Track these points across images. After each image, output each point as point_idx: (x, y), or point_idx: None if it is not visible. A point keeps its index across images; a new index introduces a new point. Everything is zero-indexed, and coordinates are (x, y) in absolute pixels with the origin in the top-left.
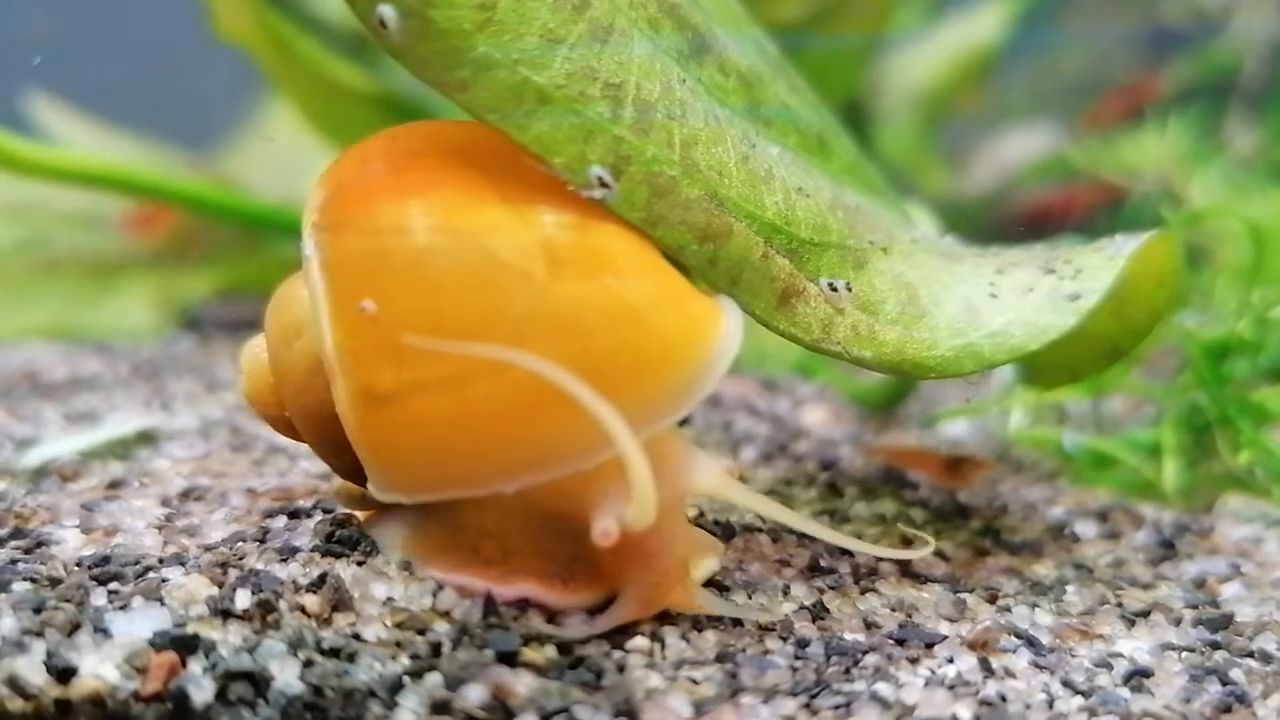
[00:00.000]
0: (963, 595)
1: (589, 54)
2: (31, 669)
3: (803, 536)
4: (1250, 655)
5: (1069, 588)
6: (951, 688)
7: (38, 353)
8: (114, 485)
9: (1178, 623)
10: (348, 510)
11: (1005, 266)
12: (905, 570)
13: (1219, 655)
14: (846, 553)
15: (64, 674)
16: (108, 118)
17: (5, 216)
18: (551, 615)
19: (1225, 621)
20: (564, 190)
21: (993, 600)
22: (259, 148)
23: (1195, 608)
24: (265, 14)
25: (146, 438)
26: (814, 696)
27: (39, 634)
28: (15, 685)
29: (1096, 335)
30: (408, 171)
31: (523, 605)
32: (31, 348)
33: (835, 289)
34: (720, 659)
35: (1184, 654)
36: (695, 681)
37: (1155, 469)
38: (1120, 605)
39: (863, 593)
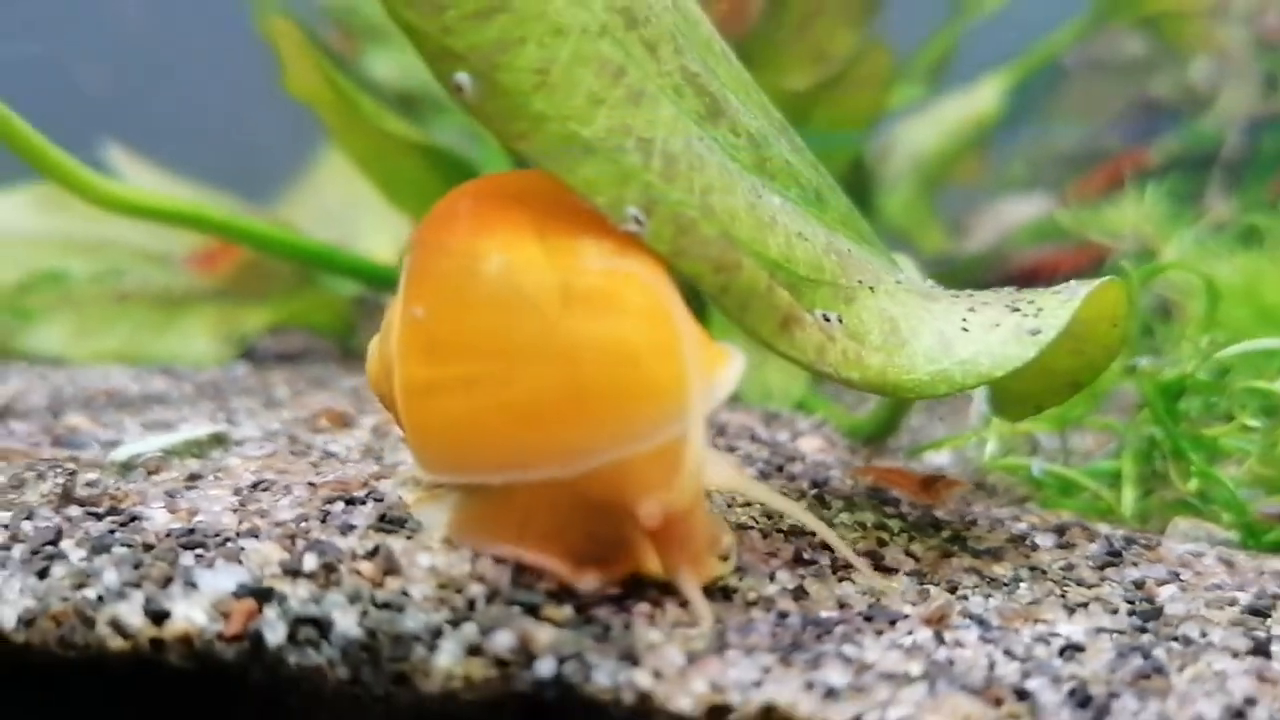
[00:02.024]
0: (927, 586)
1: (625, 113)
2: (131, 613)
3: (789, 534)
4: (1175, 639)
5: (1022, 584)
6: (907, 651)
7: (111, 373)
8: (193, 478)
9: (1114, 612)
10: (399, 496)
11: (976, 305)
12: (878, 565)
13: (1146, 638)
14: (827, 548)
15: (159, 617)
16: (174, 168)
17: (84, 252)
18: (564, 588)
19: (1157, 613)
20: (603, 241)
21: (953, 591)
22: (312, 196)
23: (1132, 603)
24: (331, 72)
25: (219, 440)
26: (789, 653)
27: (138, 585)
28: (117, 626)
29: (1058, 370)
30: (483, 208)
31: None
32: (105, 369)
33: (829, 320)
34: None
35: (1115, 635)
36: (689, 638)
37: (1115, 495)
38: (1065, 597)
39: (839, 581)
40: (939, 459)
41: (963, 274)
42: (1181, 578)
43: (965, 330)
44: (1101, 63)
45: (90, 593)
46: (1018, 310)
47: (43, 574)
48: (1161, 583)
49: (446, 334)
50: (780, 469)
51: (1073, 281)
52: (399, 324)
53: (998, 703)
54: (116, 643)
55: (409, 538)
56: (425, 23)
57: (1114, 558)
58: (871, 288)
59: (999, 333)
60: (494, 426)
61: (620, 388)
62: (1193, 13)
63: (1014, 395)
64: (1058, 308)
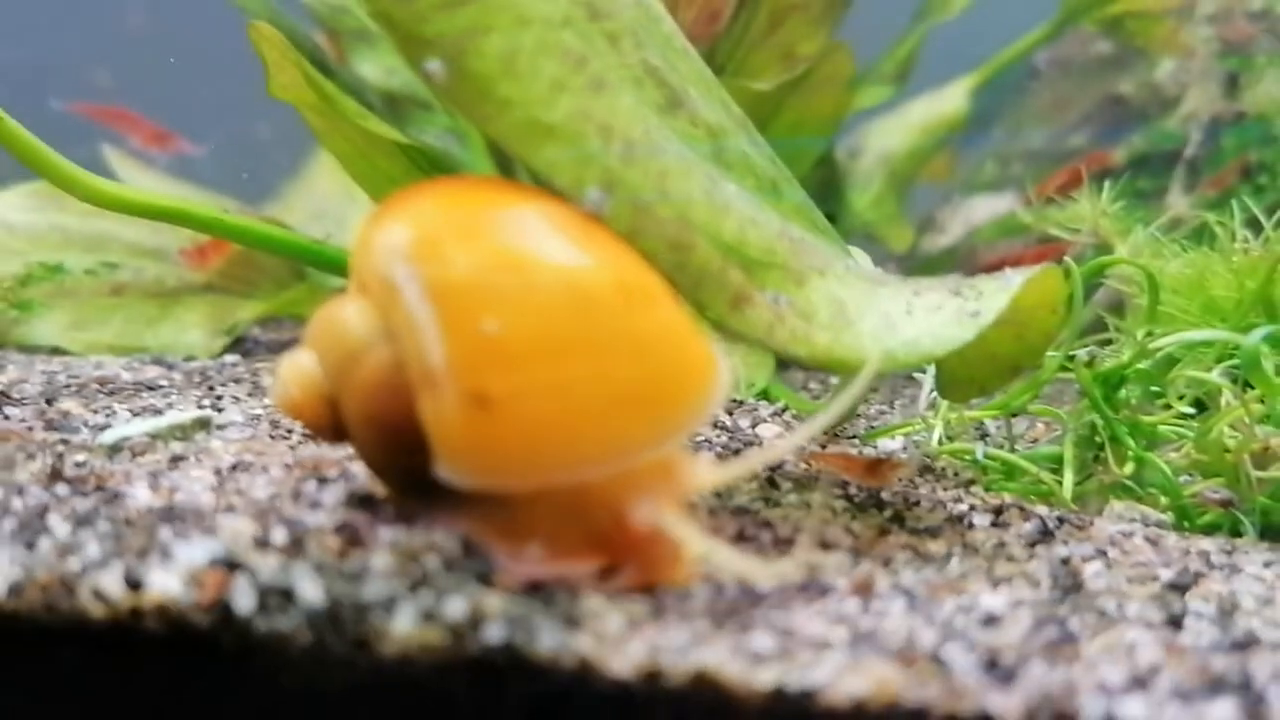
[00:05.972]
0: (861, 560)
1: (586, 100)
2: (112, 582)
3: (735, 512)
4: (1091, 611)
5: (953, 561)
6: (834, 620)
7: (105, 363)
8: (176, 459)
9: (1036, 586)
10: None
11: (921, 290)
12: (817, 541)
13: (1063, 609)
14: (769, 525)
15: (136, 585)
16: (176, 169)
17: (80, 246)
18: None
19: (1077, 588)
20: (607, 240)
21: (886, 565)
22: (306, 193)
23: (1056, 578)
24: (313, 75)
25: (202, 424)
26: (722, 621)
27: (118, 556)
28: (98, 594)
29: (1001, 355)
30: (488, 220)
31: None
32: (99, 360)
33: (778, 301)
34: (650, 593)
35: (1034, 607)
36: (631, 604)
37: (1056, 479)
38: (991, 572)
39: (779, 556)
40: (891, 445)
41: (932, 269)
42: (1108, 555)
43: (909, 313)
44: (1070, 63)
45: (74, 563)
46: (959, 295)
47: (30, 546)
48: (1087, 559)
49: (533, 342)
50: (737, 453)
51: (1007, 269)
52: (449, 344)
53: (912, 666)
54: (98, 609)
55: (373, 513)
56: (398, 10)
57: (1046, 536)
58: (821, 272)
59: (941, 315)
60: (589, 423)
61: (682, 370)
62: (1160, 14)
63: (960, 378)
64: (997, 292)
